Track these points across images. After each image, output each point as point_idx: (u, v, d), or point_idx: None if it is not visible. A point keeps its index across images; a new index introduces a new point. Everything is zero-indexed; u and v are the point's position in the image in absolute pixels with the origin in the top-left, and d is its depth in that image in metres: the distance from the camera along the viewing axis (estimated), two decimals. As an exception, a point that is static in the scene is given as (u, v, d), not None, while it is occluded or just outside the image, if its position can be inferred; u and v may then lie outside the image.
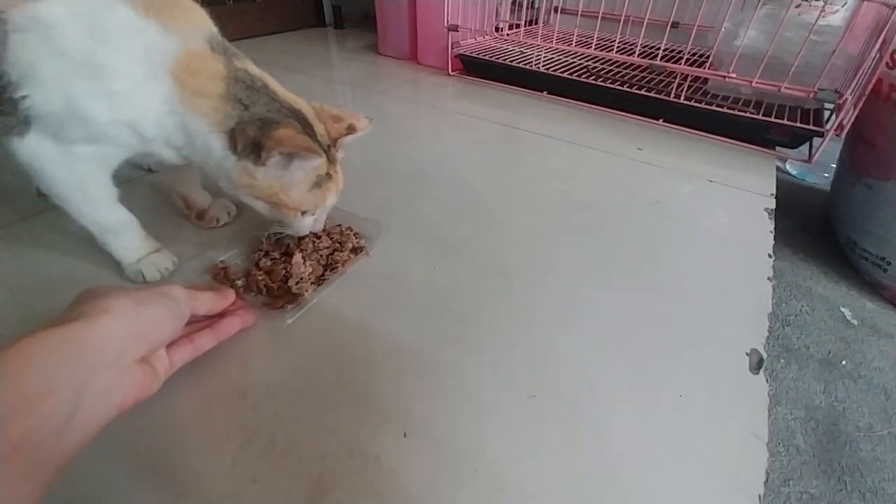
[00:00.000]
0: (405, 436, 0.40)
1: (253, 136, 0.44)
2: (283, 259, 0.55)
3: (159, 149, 0.47)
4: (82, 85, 0.40)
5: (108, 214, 0.51)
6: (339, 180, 0.53)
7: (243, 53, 0.48)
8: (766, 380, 0.47)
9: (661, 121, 1.07)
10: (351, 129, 0.52)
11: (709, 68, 1.06)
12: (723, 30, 1.01)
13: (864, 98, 0.86)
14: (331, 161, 0.50)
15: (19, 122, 0.41)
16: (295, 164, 0.46)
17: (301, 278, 0.53)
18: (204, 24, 0.46)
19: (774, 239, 0.69)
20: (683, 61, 1.04)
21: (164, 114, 0.44)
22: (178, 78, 0.42)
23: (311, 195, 0.49)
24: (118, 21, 0.40)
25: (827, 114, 0.97)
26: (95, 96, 0.41)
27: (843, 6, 0.96)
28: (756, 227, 0.72)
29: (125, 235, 0.53)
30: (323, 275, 0.55)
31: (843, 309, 0.90)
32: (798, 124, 0.92)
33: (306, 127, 0.47)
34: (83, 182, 0.47)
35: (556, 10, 1.55)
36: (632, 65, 1.21)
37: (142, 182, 0.51)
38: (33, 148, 0.43)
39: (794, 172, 1.38)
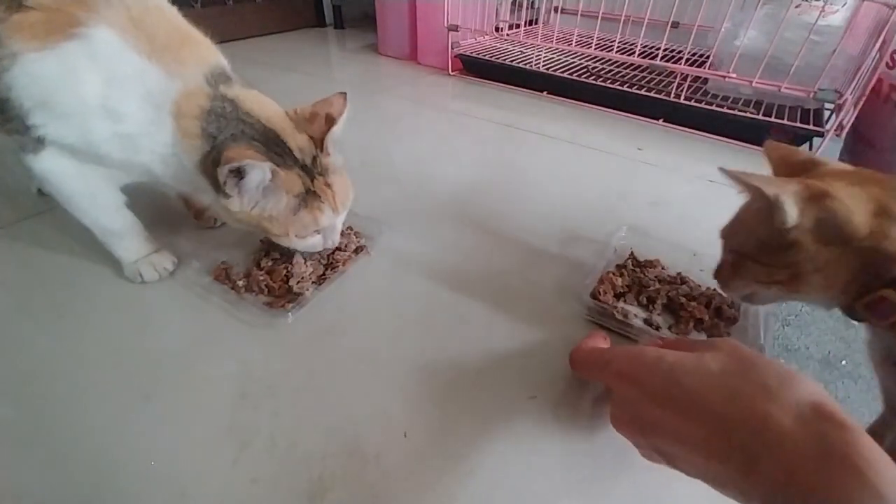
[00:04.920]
0: (405, 436, 0.40)
1: (212, 171, 0.43)
2: (284, 258, 0.55)
3: (171, 182, 0.48)
4: (96, 125, 0.42)
5: (115, 220, 0.52)
6: (333, 195, 0.48)
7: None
8: (767, 380, 0.47)
9: (661, 121, 1.07)
10: (330, 121, 0.48)
11: (709, 68, 1.06)
12: (723, 30, 1.01)
13: (864, 98, 0.86)
14: (315, 176, 0.47)
15: (33, 142, 0.44)
16: (250, 180, 0.42)
17: (302, 277, 0.53)
18: (207, 58, 0.46)
19: (774, 239, 0.69)
20: (683, 61, 1.04)
21: (168, 155, 0.45)
22: (176, 119, 0.43)
23: (298, 218, 0.47)
24: (126, 67, 0.42)
25: (827, 114, 0.98)
26: (108, 137, 0.43)
27: (843, 6, 0.96)
28: (756, 227, 0.72)
29: (128, 238, 0.54)
30: (324, 274, 0.55)
31: (843, 309, 0.90)
32: (798, 124, 0.92)
33: (273, 145, 0.45)
34: (94, 193, 0.49)
35: (556, 10, 1.55)
36: (632, 65, 1.21)
37: (142, 182, 0.52)
38: (48, 163, 0.45)
39: (794, 172, 1.38)
